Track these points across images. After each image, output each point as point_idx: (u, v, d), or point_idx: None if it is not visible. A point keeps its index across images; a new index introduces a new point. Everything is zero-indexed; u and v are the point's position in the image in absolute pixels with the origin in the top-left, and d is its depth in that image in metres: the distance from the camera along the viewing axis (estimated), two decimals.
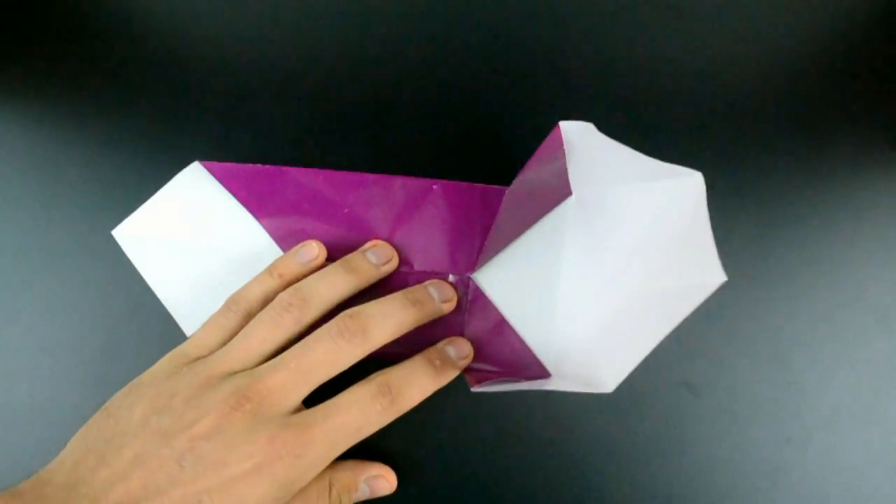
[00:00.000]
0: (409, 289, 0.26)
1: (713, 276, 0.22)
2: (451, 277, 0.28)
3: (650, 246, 0.24)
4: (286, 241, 0.28)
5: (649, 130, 0.29)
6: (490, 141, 0.29)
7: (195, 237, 0.28)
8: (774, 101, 0.30)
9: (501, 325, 0.28)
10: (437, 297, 0.26)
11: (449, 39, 0.30)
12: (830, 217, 0.29)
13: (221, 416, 0.21)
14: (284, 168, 0.28)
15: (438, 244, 0.28)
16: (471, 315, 0.28)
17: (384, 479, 0.27)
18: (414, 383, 0.24)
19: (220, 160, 0.29)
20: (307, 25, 0.30)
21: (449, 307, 0.26)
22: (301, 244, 0.27)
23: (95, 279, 0.29)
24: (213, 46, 0.30)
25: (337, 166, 0.29)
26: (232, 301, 0.25)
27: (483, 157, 0.29)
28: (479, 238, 0.28)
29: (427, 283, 0.27)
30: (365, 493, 0.26)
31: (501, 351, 0.27)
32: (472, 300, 0.28)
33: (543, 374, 0.27)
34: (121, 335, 0.29)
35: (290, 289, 0.24)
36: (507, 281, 0.28)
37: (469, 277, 0.28)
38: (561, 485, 0.28)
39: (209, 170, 0.28)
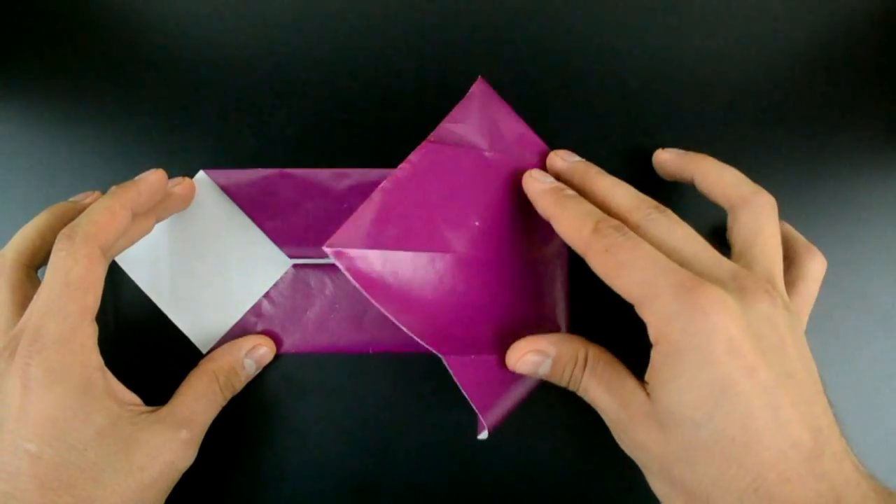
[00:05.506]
0: None
1: None
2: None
3: None
4: (289, 244, 0.28)
5: (649, 130, 0.29)
6: None
7: (200, 252, 0.28)
8: (774, 101, 0.30)
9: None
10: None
11: (449, 38, 0.30)
12: (830, 217, 0.29)
13: None
14: (284, 171, 0.29)
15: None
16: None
17: (262, 347, 0.27)
18: None
19: (220, 159, 0.29)
20: (307, 25, 0.30)
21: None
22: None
23: None
24: (213, 47, 0.30)
25: (337, 165, 0.29)
26: None
27: None
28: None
29: None
30: (252, 368, 0.27)
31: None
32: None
33: None
34: (120, 335, 0.29)
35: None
36: None
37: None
38: (556, 484, 0.28)
39: (213, 178, 0.29)
